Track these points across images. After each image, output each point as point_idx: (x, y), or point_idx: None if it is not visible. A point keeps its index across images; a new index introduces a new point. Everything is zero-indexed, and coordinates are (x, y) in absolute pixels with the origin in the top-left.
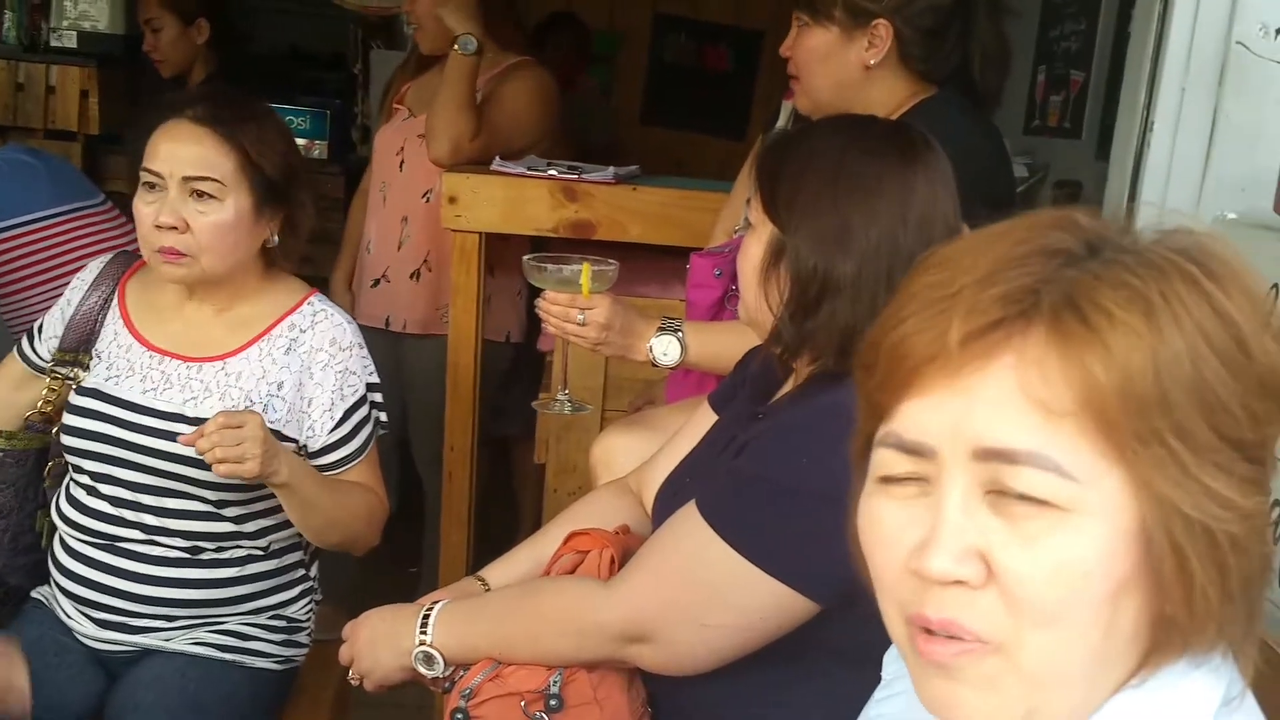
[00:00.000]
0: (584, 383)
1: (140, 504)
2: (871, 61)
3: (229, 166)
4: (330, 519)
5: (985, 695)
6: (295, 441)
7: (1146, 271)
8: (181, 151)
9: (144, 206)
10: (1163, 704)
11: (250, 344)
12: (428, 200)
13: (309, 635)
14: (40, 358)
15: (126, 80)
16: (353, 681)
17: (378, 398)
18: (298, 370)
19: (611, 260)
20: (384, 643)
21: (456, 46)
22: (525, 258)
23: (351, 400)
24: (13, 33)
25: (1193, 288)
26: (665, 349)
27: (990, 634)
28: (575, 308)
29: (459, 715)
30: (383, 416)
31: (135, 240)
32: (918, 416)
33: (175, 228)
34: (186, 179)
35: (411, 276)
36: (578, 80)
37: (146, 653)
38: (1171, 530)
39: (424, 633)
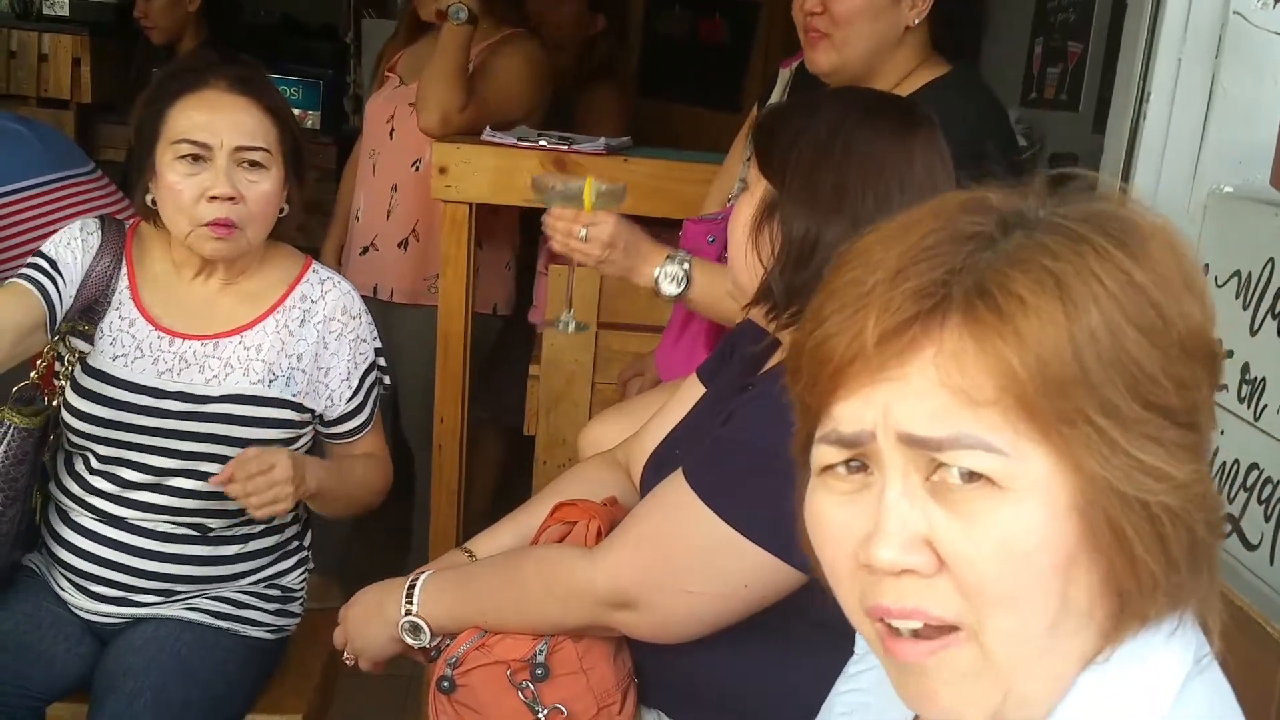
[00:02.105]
0: (573, 355)
1: (152, 485)
2: (914, 21)
3: (274, 135)
4: (349, 502)
5: (960, 687)
6: (313, 412)
7: (1059, 247)
8: (228, 120)
9: (185, 179)
10: (1132, 678)
11: (266, 316)
12: (417, 169)
13: (302, 605)
14: (61, 303)
15: (119, 49)
16: (348, 662)
17: (382, 361)
18: (314, 341)
19: (621, 181)
20: (373, 618)
21: (449, 16)
22: (534, 175)
23: (364, 367)
24: (5, 1)
25: (1104, 259)
26: (671, 276)
27: (955, 617)
28: (579, 223)
29: (445, 683)
30: (386, 380)
31: (128, 209)
32: (849, 414)
33: (232, 198)
34: (239, 149)
35: (400, 245)
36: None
37: (140, 619)
38: (1107, 507)
39: (410, 603)
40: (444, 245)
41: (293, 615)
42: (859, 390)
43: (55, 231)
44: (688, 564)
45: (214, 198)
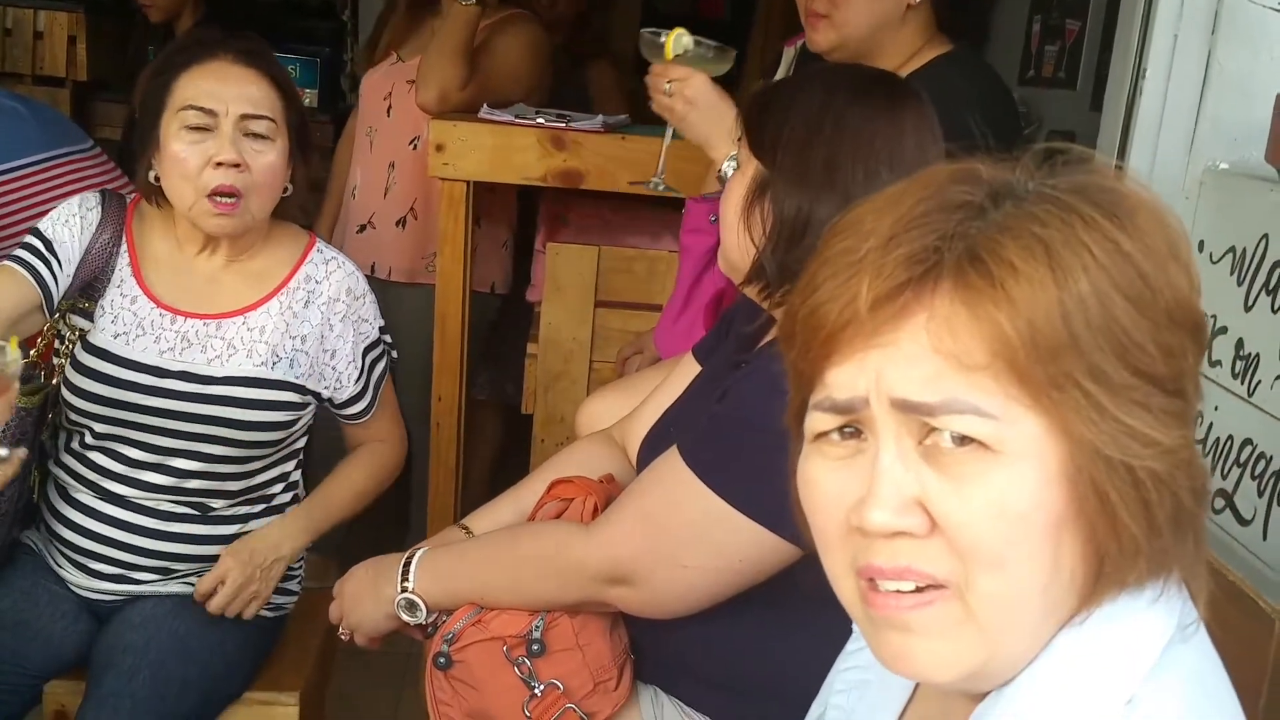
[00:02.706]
0: (571, 333)
1: (154, 464)
2: (916, 0)
3: (279, 107)
4: (356, 506)
5: (941, 644)
6: (318, 395)
7: (1048, 216)
8: (235, 90)
9: (189, 147)
10: (1109, 640)
11: (269, 297)
12: (415, 147)
13: (300, 583)
14: (57, 286)
15: (116, 26)
16: (343, 637)
17: (387, 338)
18: (318, 323)
19: (724, 46)
20: (368, 594)
21: None
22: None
23: (365, 344)
24: None
25: (1092, 228)
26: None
27: (945, 576)
28: (665, 76)
29: (441, 659)
30: (394, 354)
31: (127, 187)
32: (843, 380)
33: (237, 165)
34: (244, 117)
35: (397, 224)
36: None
37: (139, 596)
38: (1093, 470)
39: (405, 580)
40: (441, 223)
41: (291, 594)
42: (852, 356)
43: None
44: (683, 539)
45: (220, 164)
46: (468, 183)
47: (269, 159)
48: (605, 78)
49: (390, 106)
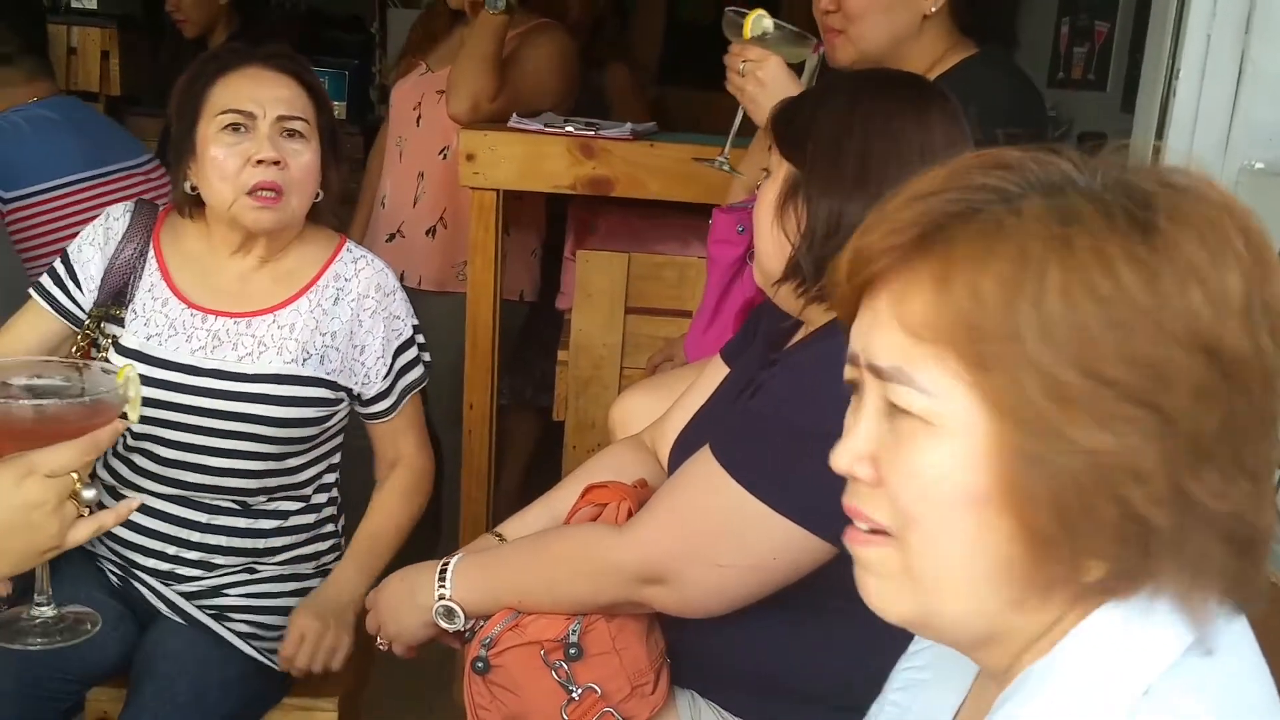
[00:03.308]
0: (602, 339)
1: (190, 463)
2: (932, 9)
3: (312, 110)
4: (401, 542)
5: (883, 584)
6: (349, 390)
7: (1051, 213)
8: (270, 93)
9: (228, 149)
10: (1097, 646)
11: (300, 295)
12: (444, 157)
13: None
14: (81, 309)
15: (147, 41)
16: (381, 648)
17: (421, 338)
18: (348, 319)
19: (804, 32)
20: (405, 603)
21: (485, 4)
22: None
23: (399, 341)
24: None
25: (1094, 233)
26: None
27: (887, 525)
28: (740, 56)
29: (479, 664)
30: (426, 357)
31: None
32: (852, 336)
33: (277, 162)
34: (281, 118)
35: (427, 233)
36: None
37: (178, 606)
38: (1015, 459)
39: (443, 586)
40: (472, 232)
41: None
42: (858, 311)
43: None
44: (717, 538)
45: (260, 162)
46: (497, 191)
47: (306, 158)
48: (622, 82)
49: (420, 116)
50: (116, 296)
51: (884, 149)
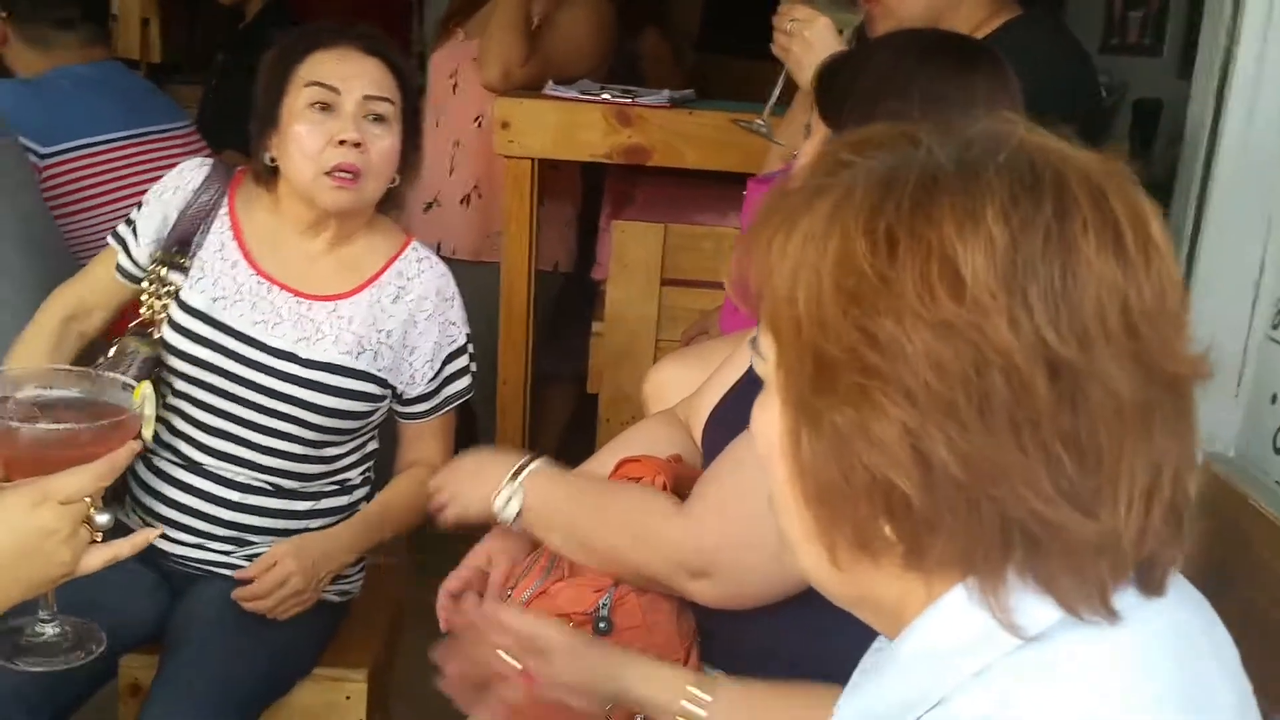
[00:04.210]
0: (637, 311)
1: (236, 436)
2: None
3: (399, 95)
4: (396, 534)
5: (782, 544)
6: (394, 389)
7: (846, 190)
8: (358, 71)
9: (312, 126)
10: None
11: (362, 288)
12: (479, 125)
13: (364, 565)
14: (137, 264)
15: (187, 9)
16: (432, 509)
17: (471, 348)
18: (404, 319)
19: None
20: (472, 475)
21: None
22: None
23: (451, 349)
24: None
25: (870, 210)
26: None
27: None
28: (789, 14)
29: None
30: (471, 366)
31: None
32: None
33: (358, 144)
34: (367, 98)
35: (462, 202)
36: None
37: (211, 572)
38: (787, 420)
39: (514, 481)
40: (506, 201)
41: (358, 574)
42: None
43: (133, 185)
44: (768, 529)
45: (341, 142)
46: (532, 160)
47: (386, 143)
48: (657, 48)
49: (456, 84)
50: (182, 245)
51: (923, 112)
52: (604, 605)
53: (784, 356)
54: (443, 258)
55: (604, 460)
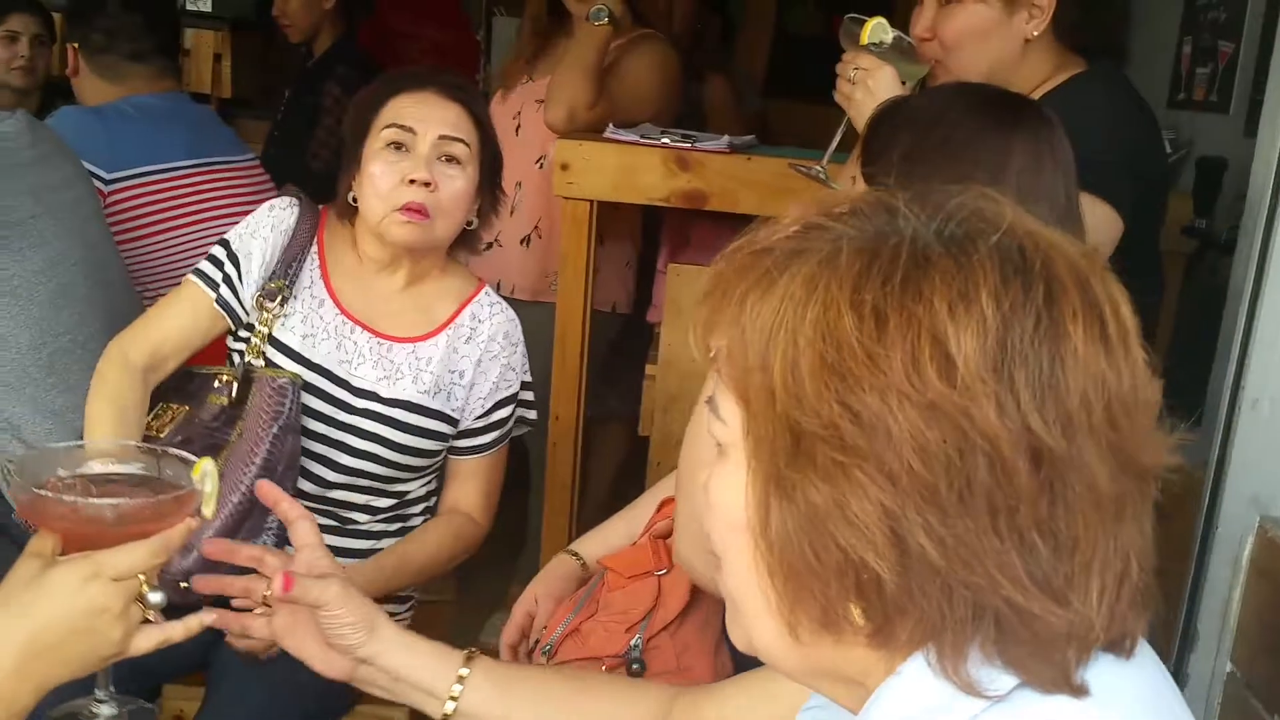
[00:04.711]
0: (690, 355)
1: (311, 473)
2: (1034, 34)
3: (475, 137)
4: (414, 583)
5: (729, 612)
6: (457, 424)
7: (825, 258)
8: (437, 113)
9: (387, 166)
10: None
11: (439, 330)
12: (541, 166)
13: (413, 605)
14: (240, 302)
15: (258, 45)
16: None
17: (529, 395)
18: (475, 360)
19: (914, 47)
20: None
21: (589, 16)
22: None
23: (503, 394)
24: None
25: (850, 285)
26: None
27: (712, 543)
28: (852, 63)
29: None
30: (531, 414)
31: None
32: None
33: (428, 184)
34: (442, 138)
35: (522, 242)
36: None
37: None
38: (756, 492)
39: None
40: (564, 242)
41: (406, 611)
42: None
43: (194, 214)
44: None
45: (412, 181)
46: (591, 202)
47: (459, 185)
48: (720, 94)
49: (519, 126)
50: (282, 283)
51: (954, 172)
52: (635, 647)
53: (753, 425)
54: (502, 297)
55: (647, 503)
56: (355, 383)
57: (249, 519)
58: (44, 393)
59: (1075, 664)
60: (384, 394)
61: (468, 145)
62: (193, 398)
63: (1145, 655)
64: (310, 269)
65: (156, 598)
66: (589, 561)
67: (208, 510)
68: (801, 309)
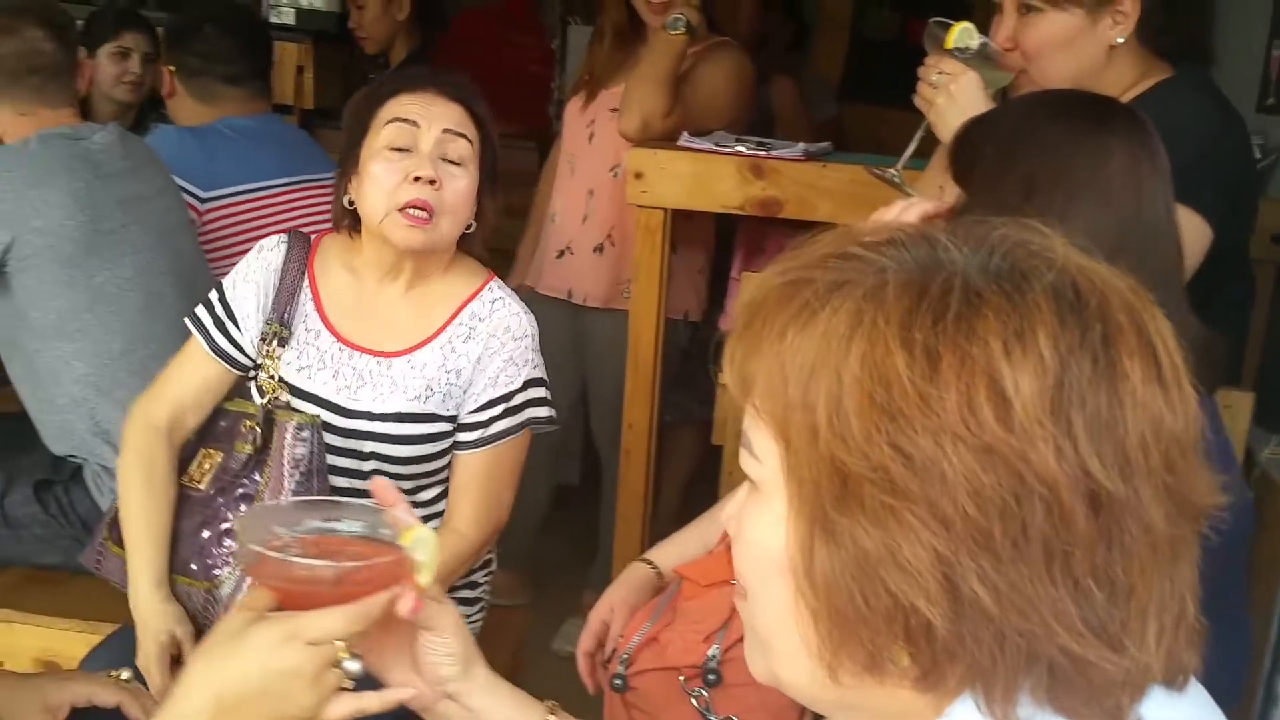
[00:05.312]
0: None
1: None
2: (1118, 40)
3: (476, 135)
4: None
5: (748, 644)
6: (453, 420)
7: (868, 291)
8: (439, 111)
9: (389, 165)
10: None
11: (435, 335)
12: (615, 175)
13: (484, 606)
14: (239, 349)
15: (340, 57)
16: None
17: (539, 393)
18: (475, 357)
19: (1001, 55)
20: None
21: (666, 25)
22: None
23: (502, 390)
24: None
25: (903, 324)
26: None
27: (738, 578)
28: (936, 66)
29: (617, 682)
30: (543, 413)
31: None
32: None
33: (432, 182)
34: (446, 131)
35: (595, 250)
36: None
37: None
38: (799, 533)
39: None
40: (637, 250)
41: (478, 614)
42: None
43: (282, 231)
44: None
45: (416, 179)
46: (665, 210)
47: (462, 184)
48: (787, 96)
49: (592, 134)
50: (280, 324)
51: (1050, 177)
52: (713, 658)
53: (794, 464)
54: (573, 305)
55: (717, 516)
56: (351, 407)
57: None
58: (134, 398)
59: (1129, 707)
60: (376, 410)
61: (470, 142)
62: (223, 440)
63: (1195, 687)
64: (304, 302)
65: (355, 666)
66: (664, 570)
67: (425, 579)
68: (845, 345)
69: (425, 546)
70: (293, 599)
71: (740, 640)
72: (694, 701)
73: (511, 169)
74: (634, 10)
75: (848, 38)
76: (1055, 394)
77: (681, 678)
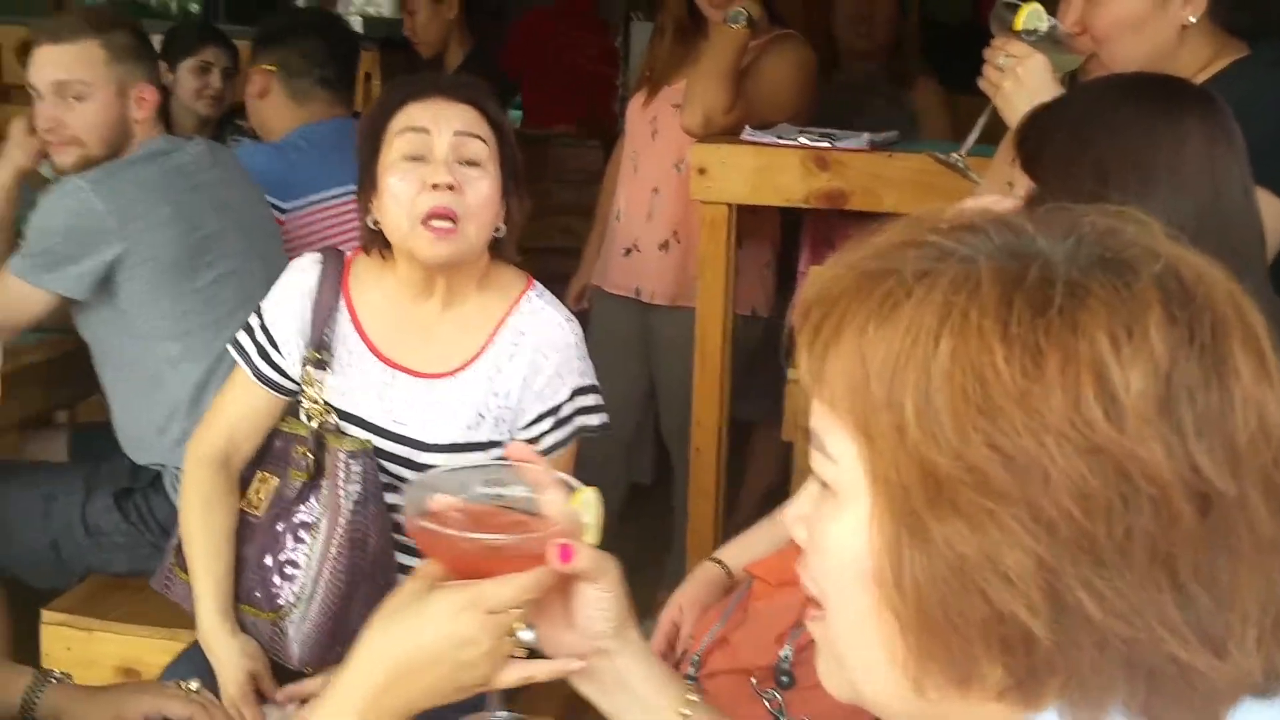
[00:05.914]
0: None
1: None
2: (1190, 19)
3: (492, 136)
4: None
5: (824, 656)
6: (501, 444)
7: (954, 281)
8: (449, 113)
9: (404, 175)
10: None
11: (477, 356)
12: (679, 171)
13: None
14: (283, 374)
15: (406, 63)
16: None
17: (587, 401)
18: (521, 376)
19: (1070, 37)
20: None
21: (727, 19)
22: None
23: (549, 404)
24: None
25: (1003, 317)
26: None
27: (816, 595)
28: (1003, 49)
29: (688, 682)
30: (594, 420)
31: None
32: None
33: (451, 187)
34: (458, 134)
35: (660, 247)
36: None
37: None
38: (885, 539)
39: None
40: (702, 246)
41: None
42: None
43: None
44: None
45: (435, 186)
46: (729, 205)
47: (483, 186)
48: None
49: (655, 131)
50: (320, 346)
51: (1123, 163)
52: (785, 659)
53: (878, 464)
54: (641, 303)
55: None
56: (398, 431)
57: (356, 596)
58: None
59: (1224, 716)
60: (428, 441)
61: (485, 143)
62: (278, 463)
63: None
64: (342, 323)
65: (528, 635)
66: (734, 569)
67: (590, 539)
68: (934, 339)
69: (591, 508)
70: (463, 568)
71: (813, 641)
72: (766, 704)
73: (579, 167)
74: (694, 5)
75: (918, 20)
76: (1165, 391)
77: (753, 679)
